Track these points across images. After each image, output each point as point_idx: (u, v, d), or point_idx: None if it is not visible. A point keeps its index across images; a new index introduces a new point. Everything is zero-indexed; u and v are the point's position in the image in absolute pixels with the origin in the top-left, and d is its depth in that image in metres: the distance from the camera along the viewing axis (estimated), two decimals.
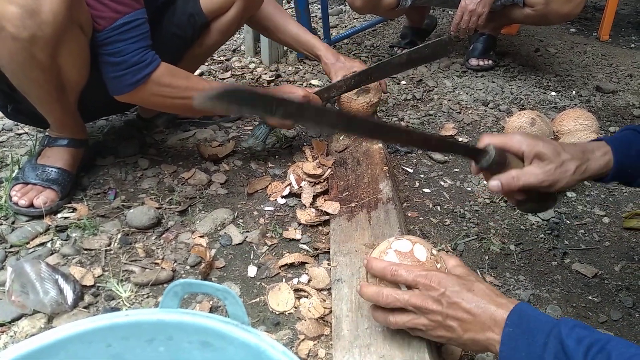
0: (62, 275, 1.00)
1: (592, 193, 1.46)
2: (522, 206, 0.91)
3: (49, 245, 1.16)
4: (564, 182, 0.82)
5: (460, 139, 1.70)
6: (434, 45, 1.38)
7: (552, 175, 0.81)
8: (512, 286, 1.11)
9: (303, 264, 1.11)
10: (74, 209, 1.27)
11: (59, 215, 1.25)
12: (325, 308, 0.98)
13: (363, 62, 1.59)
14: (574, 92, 2.10)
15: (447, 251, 1.20)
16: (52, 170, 1.28)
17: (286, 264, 1.10)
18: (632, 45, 2.73)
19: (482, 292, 0.70)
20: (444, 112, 1.89)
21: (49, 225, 1.21)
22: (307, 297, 1.02)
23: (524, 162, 0.84)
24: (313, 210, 1.27)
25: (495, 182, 0.83)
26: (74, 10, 1.04)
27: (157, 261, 1.11)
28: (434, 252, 0.79)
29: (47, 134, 1.34)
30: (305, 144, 1.59)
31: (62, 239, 1.17)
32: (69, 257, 1.12)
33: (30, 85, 1.13)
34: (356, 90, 1.51)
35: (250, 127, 1.69)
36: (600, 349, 0.57)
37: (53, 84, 1.14)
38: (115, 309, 0.99)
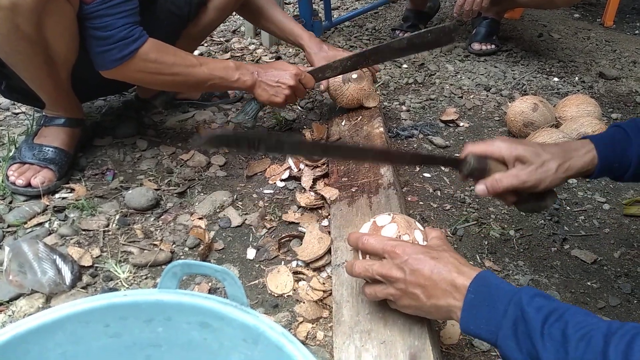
0: (60, 255, 0.99)
1: (592, 180, 1.45)
2: (519, 207, 0.94)
3: (46, 225, 1.15)
4: (547, 182, 0.84)
5: (461, 124, 1.69)
6: (438, 31, 1.33)
7: (534, 175, 0.83)
8: (511, 271, 1.11)
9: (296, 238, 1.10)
10: (72, 190, 1.26)
11: (57, 195, 1.25)
12: (323, 291, 0.98)
13: (347, 51, 1.56)
14: (576, 78, 2.08)
15: (447, 236, 1.19)
16: (49, 150, 1.27)
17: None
18: (637, 32, 2.70)
19: (446, 260, 0.71)
20: (446, 96, 1.87)
21: (47, 205, 1.20)
22: (305, 280, 1.02)
23: (507, 166, 0.87)
24: (312, 193, 1.26)
25: (480, 186, 0.87)
26: None
27: (155, 242, 1.11)
28: (407, 236, 0.79)
29: (44, 113, 1.32)
30: (305, 126, 1.58)
31: (60, 219, 1.17)
32: (67, 238, 1.11)
33: (18, 58, 1.11)
34: (342, 77, 1.47)
35: None
36: (558, 317, 0.58)
37: (41, 57, 1.12)
38: (114, 289, 0.99)
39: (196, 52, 2.01)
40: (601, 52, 2.36)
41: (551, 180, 0.84)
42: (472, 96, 1.89)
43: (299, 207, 1.24)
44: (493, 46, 2.23)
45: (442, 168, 1.45)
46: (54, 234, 1.12)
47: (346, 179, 1.24)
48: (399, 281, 0.72)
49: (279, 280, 1.01)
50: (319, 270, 1.05)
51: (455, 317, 0.68)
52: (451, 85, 1.95)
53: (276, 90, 1.33)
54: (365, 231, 0.83)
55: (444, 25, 1.29)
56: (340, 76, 1.46)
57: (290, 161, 1.36)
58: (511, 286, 0.65)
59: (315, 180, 1.30)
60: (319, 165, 1.34)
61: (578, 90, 1.98)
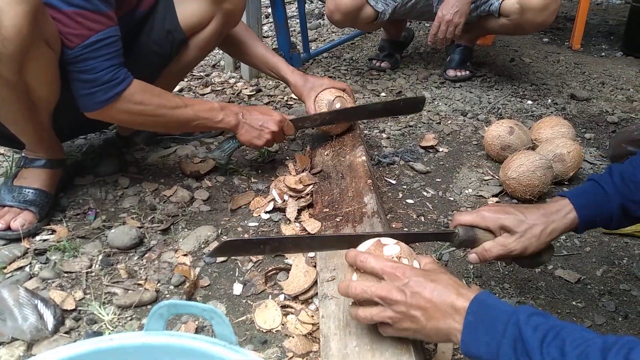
0: (41, 300, 0.97)
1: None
2: (518, 263, 0.97)
3: (27, 269, 1.13)
4: (533, 247, 0.89)
5: (441, 149, 1.72)
6: (409, 100, 1.56)
7: (519, 243, 0.88)
8: (497, 294, 1.12)
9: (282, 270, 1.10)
10: (53, 231, 1.24)
11: (38, 237, 1.23)
12: (312, 324, 0.97)
13: (331, 79, 1.61)
14: (549, 100, 2.15)
15: None
16: (29, 192, 1.25)
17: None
18: (603, 54, 2.81)
19: (445, 282, 0.72)
20: (424, 122, 1.91)
21: (27, 248, 1.18)
22: (294, 314, 1.01)
23: (495, 235, 0.91)
24: (297, 224, 1.26)
25: (472, 255, 0.93)
26: (39, 25, 1.01)
27: (140, 282, 1.09)
28: (406, 260, 0.80)
29: (23, 154, 1.31)
30: (288, 158, 1.59)
31: (41, 262, 1.14)
32: (49, 281, 1.09)
33: None
34: (328, 109, 1.51)
35: None
36: (555, 335, 0.60)
37: (23, 102, 1.12)
38: (98, 333, 0.96)
39: (177, 87, 2.02)
40: (571, 75, 2.45)
41: (536, 246, 0.89)
42: (449, 122, 1.93)
43: None
44: (467, 72, 2.29)
45: (425, 194, 1.47)
46: (35, 277, 1.10)
47: (330, 209, 1.25)
48: (399, 304, 0.72)
49: (267, 315, 1.00)
50: (307, 302, 1.04)
51: (455, 340, 0.68)
52: (429, 111, 2.00)
53: (259, 134, 1.37)
54: (369, 245, 0.82)
55: (416, 96, 1.42)
56: (326, 107, 1.51)
57: (274, 192, 1.36)
58: (509, 306, 0.67)
59: (300, 211, 1.30)
60: (303, 195, 1.35)
61: (551, 112, 2.04)
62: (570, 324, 0.62)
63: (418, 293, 0.71)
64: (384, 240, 0.83)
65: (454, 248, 1.24)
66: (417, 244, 1.25)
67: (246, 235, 1.25)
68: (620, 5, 3.87)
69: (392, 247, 0.81)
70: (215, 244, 1.21)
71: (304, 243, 0.92)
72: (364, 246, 0.83)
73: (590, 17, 3.40)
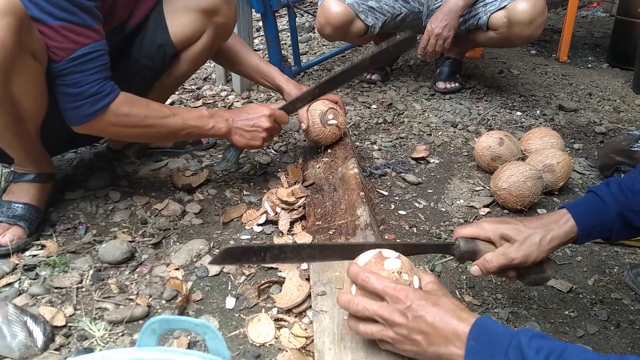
0: (31, 316, 0.95)
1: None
2: (523, 281, 0.97)
3: (16, 285, 1.11)
4: (534, 255, 0.89)
5: (432, 161, 1.73)
6: (396, 42, 1.31)
7: (520, 251, 0.89)
8: (490, 305, 1.12)
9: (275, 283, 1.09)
10: (43, 246, 1.23)
11: (27, 253, 1.21)
12: (306, 337, 0.97)
13: None
14: (538, 111, 2.17)
15: None
16: (18, 206, 1.24)
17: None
18: (589, 65, 2.86)
19: (447, 306, 0.72)
20: (415, 134, 1.92)
21: (16, 264, 1.16)
22: (287, 327, 1.00)
23: (496, 246, 0.92)
24: (290, 237, 1.26)
25: (474, 268, 0.93)
26: (23, 39, 1.01)
27: (131, 297, 1.08)
28: (406, 275, 0.79)
29: (12, 169, 1.30)
30: (280, 170, 1.59)
31: (30, 278, 1.13)
32: (39, 297, 1.07)
33: None
34: (321, 121, 1.52)
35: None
36: (558, 356, 0.60)
37: (9, 116, 1.11)
38: (89, 349, 0.95)
39: (168, 100, 2.02)
40: (559, 86, 2.48)
41: (537, 254, 0.89)
42: (440, 133, 1.94)
43: None
44: (457, 84, 2.32)
45: (417, 205, 1.47)
46: (25, 294, 1.08)
47: (323, 221, 1.25)
48: (400, 326, 0.72)
49: (260, 329, 0.99)
50: (300, 315, 1.04)
51: None
52: (419, 123, 2.01)
53: (253, 135, 1.35)
54: (367, 259, 0.81)
55: (400, 35, 1.27)
56: (319, 121, 1.51)
57: (266, 205, 1.36)
58: (509, 329, 0.67)
59: (292, 223, 1.30)
60: (296, 208, 1.35)
61: (540, 123, 2.06)
62: (572, 345, 0.62)
63: (420, 317, 0.70)
64: (385, 252, 0.82)
65: (450, 258, 1.24)
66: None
67: None
68: (605, 18, 3.95)
69: (394, 261, 0.80)
70: (207, 258, 1.21)
71: (305, 252, 0.90)
72: (365, 257, 0.82)
73: (576, 30, 3.46)
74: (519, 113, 2.14)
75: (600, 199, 0.91)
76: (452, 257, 0.98)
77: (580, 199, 0.94)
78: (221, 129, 1.33)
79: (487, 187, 1.56)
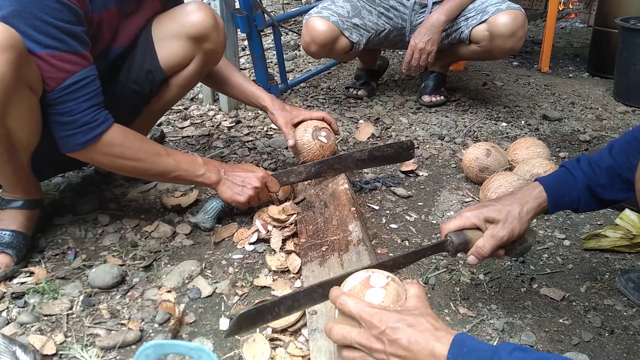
0: (20, 345, 0.94)
1: (550, 217, 1.51)
2: (510, 255, 1.04)
3: (4, 314, 1.09)
4: (517, 229, 0.97)
5: (421, 174, 1.74)
6: (397, 146, 1.51)
7: (505, 229, 0.96)
8: (485, 316, 1.12)
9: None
10: (31, 273, 1.21)
11: (15, 280, 1.19)
12: (302, 357, 0.96)
13: (308, 110, 1.62)
14: (523, 121, 2.21)
15: None
16: (5, 234, 1.22)
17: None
18: (571, 75, 2.91)
19: (422, 326, 0.70)
20: None
21: (4, 292, 1.14)
22: (282, 347, 0.99)
23: (482, 231, 0.98)
24: (283, 254, 1.25)
25: (471, 257, 0.99)
26: (22, 72, 1.01)
27: (123, 321, 1.06)
28: (395, 306, 0.77)
29: (0, 196, 1.28)
30: None
31: (19, 306, 1.11)
32: (28, 325, 1.05)
33: None
34: (312, 134, 1.53)
35: None
36: None
37: (3, 146, 1.10)
38: None
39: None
40: (542, 96, 2.53)
41: (520, 226, 0.97)
42: (427, 146, 1.96)
43: (270, 270, 1.22)
44: (442, 97, 2.35)
45: (408, 218, 1.48)
46: (13, 322, 1.06)
47: (315, 238, 1.25)
48: (379, 352, 0.71)
49: (255, 350, 0.98)
50: (295, 334, 1.03)
51: None
52: (407, 136, 2.03)
53: (241, 190, 1.33)
54: (356, 282, 0.80)
55: (403, 141, 1.39)
56: (311, 137, 1.52)
57: (257, 223, 1.35)
58: (488, 345, 0.67)
59: (284, 241, 1.30)
60: (287, 225, 1.34)
61: (526, 133, 2.09)
62: (553, 355, 0.64)
63: (395, 341, 0.69)
64: (373, 278, 0.79)
65: (443, 270, 1.25)
66: (403, 268, 1.25)
67: (230, 269, 1.24)
68: (583, 28, 4.04)
69: (377, 292, 0.77)
70: (199, 279, 1.20)
71: (317, 293, 0.88)
72: (353, 280, 0.81)
73: (556, 41, 3.54)
74: (504, 124, 2.17)
75: (570, 173, 0.99)
76: (447, 252, 1.01)
77: (552, 172, 1.03)
78: (211, 177, 1.31)
79: (477, 198, 1.57)
